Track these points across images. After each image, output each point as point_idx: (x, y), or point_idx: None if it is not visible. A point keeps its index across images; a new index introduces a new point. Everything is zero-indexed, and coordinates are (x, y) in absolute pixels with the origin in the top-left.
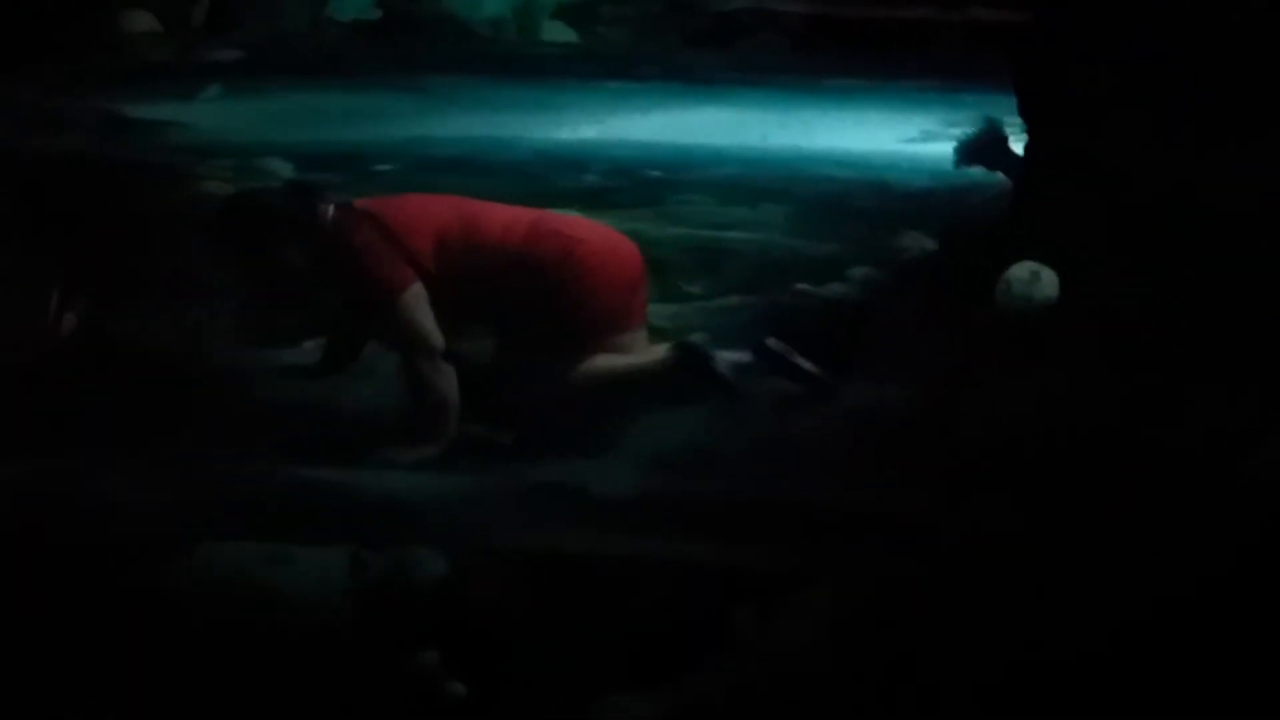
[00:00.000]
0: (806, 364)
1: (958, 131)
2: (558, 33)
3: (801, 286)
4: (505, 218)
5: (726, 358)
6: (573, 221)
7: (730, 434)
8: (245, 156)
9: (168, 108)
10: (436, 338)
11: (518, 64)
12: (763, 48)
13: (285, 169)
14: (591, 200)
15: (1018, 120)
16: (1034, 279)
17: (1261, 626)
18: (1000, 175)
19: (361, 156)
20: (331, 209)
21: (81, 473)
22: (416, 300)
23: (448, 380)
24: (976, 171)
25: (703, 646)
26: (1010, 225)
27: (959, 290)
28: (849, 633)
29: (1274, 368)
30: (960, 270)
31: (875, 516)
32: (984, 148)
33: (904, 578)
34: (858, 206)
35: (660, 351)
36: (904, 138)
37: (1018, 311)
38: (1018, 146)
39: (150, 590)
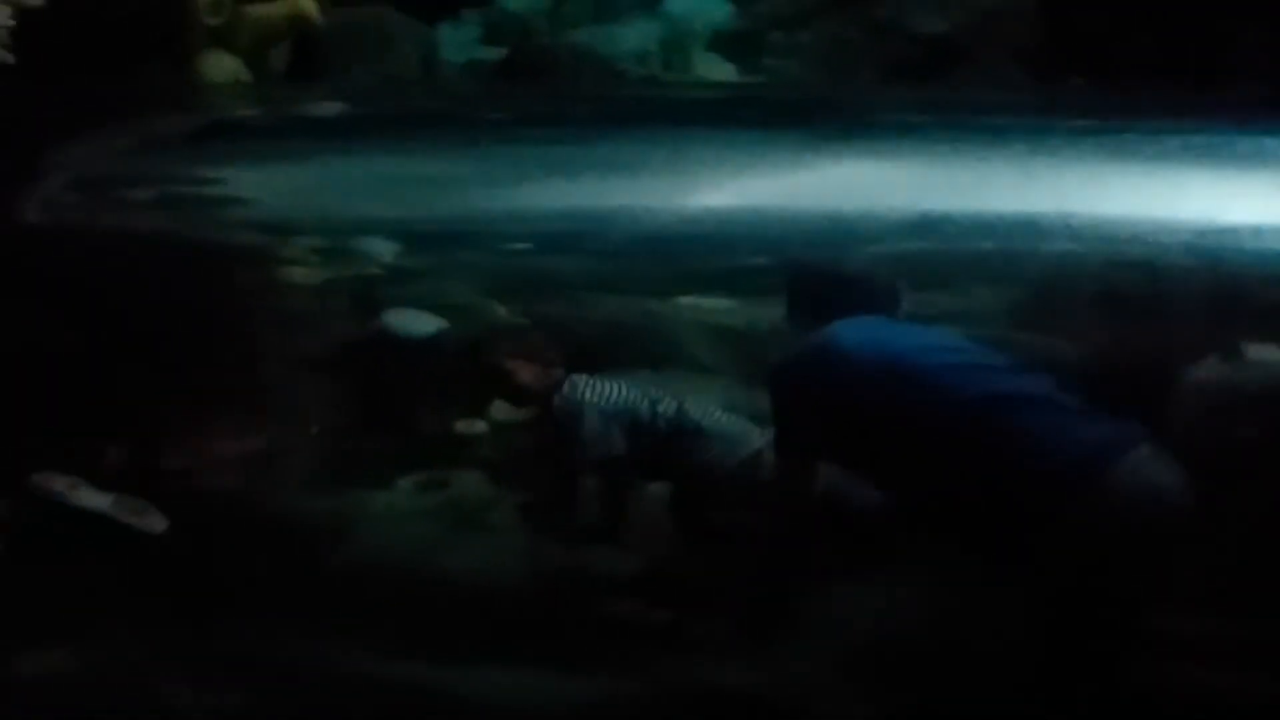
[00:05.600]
0: (107, 506)
1: None
2: (713, 68)
3: None
4: None
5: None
6: None
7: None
8: (338, 236)
9: (244, 174)
10: None
11: (659, 108)
12: (989, 77)
13: (387, 251)
14: (748, 285)
15: None
16: None
17: None
18: None
19: (474, 234)
20: None
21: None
22: None
23: None
24: None
25: None
26: None
27: None
28: None
29: None
30: None
31: None
32: None
33: None
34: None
35: None
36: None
37: None
38: None
39: None
